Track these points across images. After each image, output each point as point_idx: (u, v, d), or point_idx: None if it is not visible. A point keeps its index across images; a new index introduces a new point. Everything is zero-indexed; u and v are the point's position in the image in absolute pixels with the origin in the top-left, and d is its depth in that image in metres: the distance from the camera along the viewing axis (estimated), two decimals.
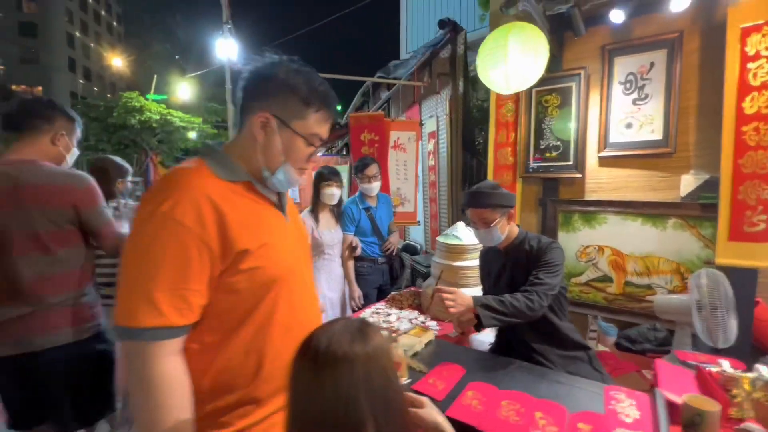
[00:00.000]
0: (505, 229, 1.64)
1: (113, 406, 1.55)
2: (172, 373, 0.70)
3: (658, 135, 2.24)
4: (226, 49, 2.88)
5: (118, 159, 2.16)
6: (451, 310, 1.39)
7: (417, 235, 4.80)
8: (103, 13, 49.57)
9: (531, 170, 2.64)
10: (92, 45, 45.71)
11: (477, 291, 2.08)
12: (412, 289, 2.64)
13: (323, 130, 0.87)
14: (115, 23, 52.77)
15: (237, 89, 0.87)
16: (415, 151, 3.27)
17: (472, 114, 3.26)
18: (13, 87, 38.87)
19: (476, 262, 2.03)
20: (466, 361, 1.44)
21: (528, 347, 1.59)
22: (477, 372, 1.35)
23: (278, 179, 0.85)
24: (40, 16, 38.70)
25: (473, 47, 2.80)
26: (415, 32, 8.87)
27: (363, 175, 2.70)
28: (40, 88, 39.37)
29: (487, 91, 3.54)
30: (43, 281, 1.31)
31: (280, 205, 0.90)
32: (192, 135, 11.48)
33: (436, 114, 3.61)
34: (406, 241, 4.64)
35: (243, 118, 0.85)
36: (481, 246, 1.94)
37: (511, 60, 1.80)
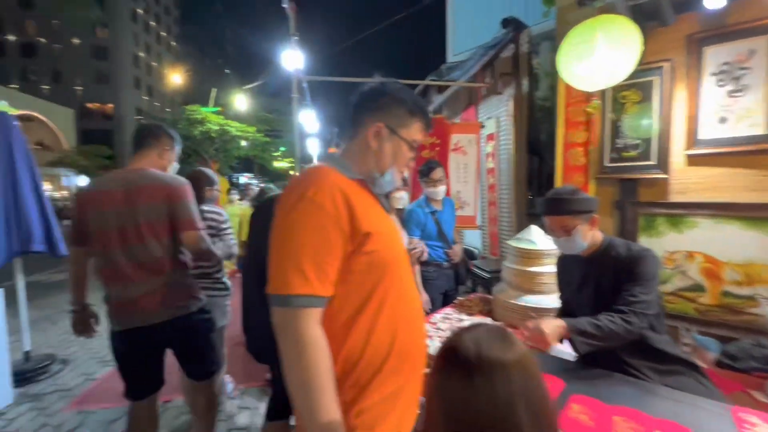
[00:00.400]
0: (588, 236, 1.54)
1: (222, 363, 1.96)
2: (320, 339, 0.79)
3: (759, 129, 2.03)
4: (293, 60, 3.01)
5: (208, 171, 2.32)
6: (534, 346, 1.32)
7: (473, 239, 4.70)
8: (163, 34, 53.80)
9: (607, 170, 2.49)
10: (154, 64, 49.74)
11: (553, 298, 1.98)
12: (480, 295, 2.57)
13: (421, 137, 1.03)
14: (173, 43, 57.07)
15: (349, 106, 1.01)
16: (476, 154, 3.20)
17: (535, 114, 3.15)
18: (89, 105, 43.26)
19: (552, 268, 1.94)
20: (559, 371, 1.37)
21: (618, 360, 1.48)
22: (577, 384, 1.27)
23: (386, 180, 0.99)
24: (111, 40, 42.67)
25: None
26: (462, 36, 8.78)
27: (429, 178, 2.69)
28: (111, 105, 43.47)
29: (548, 89, 3.41)
30: (160, 263, 1.61)
31: (384, 203, 1.02)
32: (244, 143, 12.17)
33: (495, 115, 3.53)
34: (463, 246, 4.56)
35: (356, 129, 0.99)
36: (557, 250, 1.84)
37: (599, 55, 1.71)
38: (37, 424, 2.52)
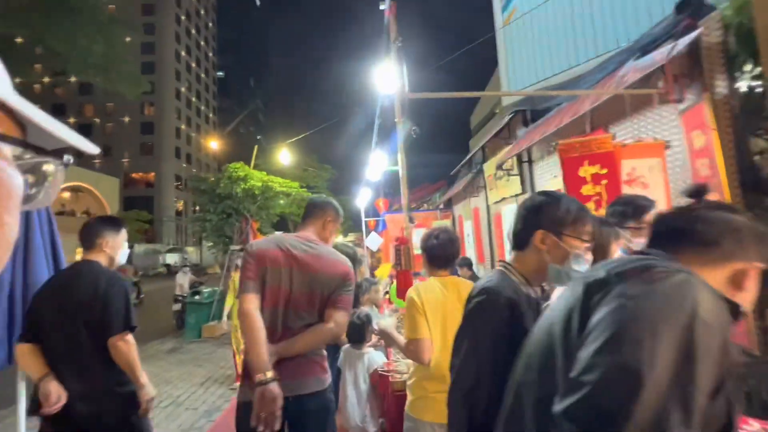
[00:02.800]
0: None
1: None
2: None
3: None
4: (392, 77, 2.26)
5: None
6: None
7: None
8: (202, 108, 58.42)
9: None
10: (193, 134, 53.38)
11: None
12: None
13: None
14: (211, 114, 61.71)
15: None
16: (663, 183, 2.20)
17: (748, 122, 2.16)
18: (133, 174, 46.08)
19: None
20: None
21: None
22: None
23: None
24: (157, 116, 46.46)
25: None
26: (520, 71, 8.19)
27: (640, 221, 1.67)
28: (153, 174, 46.17)
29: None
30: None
31: None
32: (285, 200, 11.71)
33: (659, 133, 2.57)
34: None
35: None
36: None
37: None
38: None
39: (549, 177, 4.62)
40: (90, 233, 1.91)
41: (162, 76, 46.21)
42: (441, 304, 1.80)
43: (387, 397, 2.27)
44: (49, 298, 1.82)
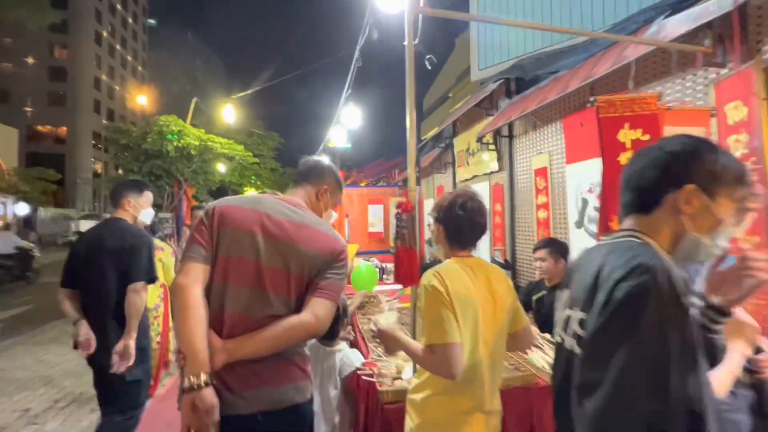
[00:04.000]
0: None
1: None
2: None
3: None
4: None
5: None
6: None
7: None
8: (129, 58, 51.63)
9: None
10: (117, 87, 47.08)
11: None
12: None
13: None
14: (140, 67, 54.86)
15: None
16: None
17: None
18: (39, 127, 39.56)
19: None
20: None
21: None
22: None
23: None
24: (70, 61, 40.11)
25: None
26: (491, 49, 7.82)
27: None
28: (65, 128, 39.97)
29: None
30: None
31: None
32: (227, 165, 10.18)
33: (684, 99, 2.26)
34: None
35: None
36: None
37: None
38: None
39: (532, 153, 4.32)
40: (116, 194, 2.24)
41: (77, 13, 39.76)
42: (472, 295, 1.29)
43: (369, 410, 1.75)
44: (83, 249, 2.12)
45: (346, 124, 6.89)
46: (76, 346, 2.00)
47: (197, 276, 1.15)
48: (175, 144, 8.11)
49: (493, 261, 4.90)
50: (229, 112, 7.96)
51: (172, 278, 1.93)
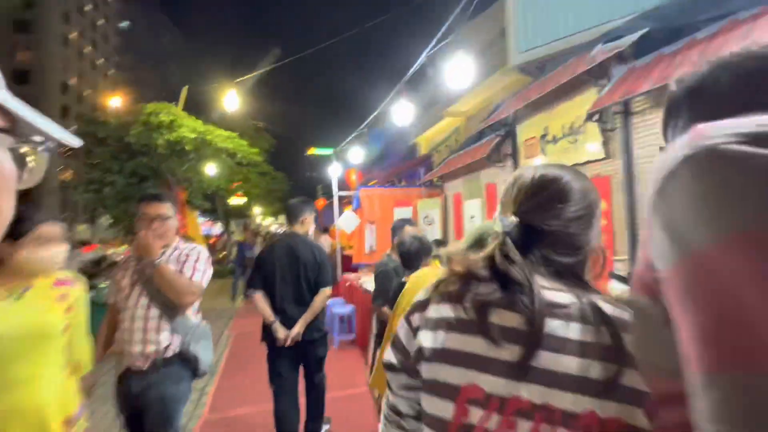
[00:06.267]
0: None
1: None
2: None
3: None
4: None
5: None
6: None
7: None
8: (99, 62, 49.03)
9: None
10: (87, 93, 44.43)
11: None
12: None
13: None
14: (112, 71, 52.14)
15: None
16: None
17: None
18: None
19: None
20: None
21: None
22: None
23: None
24: (34, 64, 37.64)
25: None
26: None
27: None
28: None
29: None
30: None
31: None
32: (221, 167, 8.53)
33: None
34: None
35: None
36: None
37: None
38: None
39: (654, 138, 3.27)
40: (296, 211, 2.84)
41: (43, 13, 37.35)
42: None
43: None
44: (271, 258, 2.74)
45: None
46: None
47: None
48: (166, 137, 6.44)
49: (612, 276, 3.79)
50: (232, 99, 6.46)
51: None
